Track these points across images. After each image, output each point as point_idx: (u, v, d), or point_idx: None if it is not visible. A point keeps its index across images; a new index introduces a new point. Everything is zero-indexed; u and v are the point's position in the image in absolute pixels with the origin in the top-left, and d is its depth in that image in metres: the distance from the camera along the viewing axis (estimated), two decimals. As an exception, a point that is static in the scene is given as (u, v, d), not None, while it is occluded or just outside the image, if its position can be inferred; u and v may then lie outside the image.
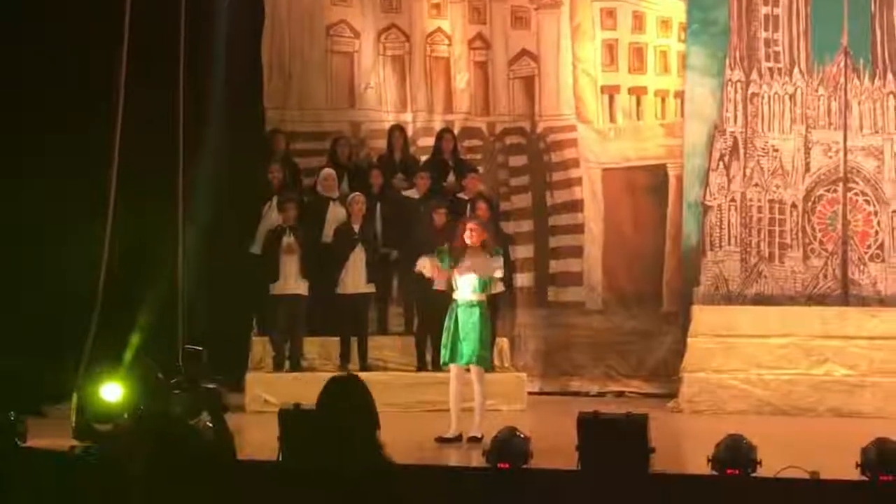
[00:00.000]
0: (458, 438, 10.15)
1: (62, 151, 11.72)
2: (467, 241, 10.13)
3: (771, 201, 13.11)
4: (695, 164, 13.28)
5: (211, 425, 5.91)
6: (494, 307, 12.59)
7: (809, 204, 13.04)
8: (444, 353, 10.26)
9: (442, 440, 10.01)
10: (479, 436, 9.97)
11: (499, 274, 10.45)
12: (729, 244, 13.12)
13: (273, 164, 12.80)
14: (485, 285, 10.20)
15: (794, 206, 13.06)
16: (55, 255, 11.57)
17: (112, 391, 9.42)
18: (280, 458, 8.63)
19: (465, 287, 10.17)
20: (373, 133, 13.83)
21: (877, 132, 12.98)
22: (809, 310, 12.71)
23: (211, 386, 6.25)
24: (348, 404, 4.66)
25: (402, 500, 4.68)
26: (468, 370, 10.21)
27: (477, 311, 10.12)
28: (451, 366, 10.22)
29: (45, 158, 11.66)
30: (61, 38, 11.79)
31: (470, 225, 10.25)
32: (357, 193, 12.47)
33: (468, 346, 10.08)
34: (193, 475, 5.34)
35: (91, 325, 11.69)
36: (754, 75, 13.15)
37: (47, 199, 11.68)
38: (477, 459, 8.80)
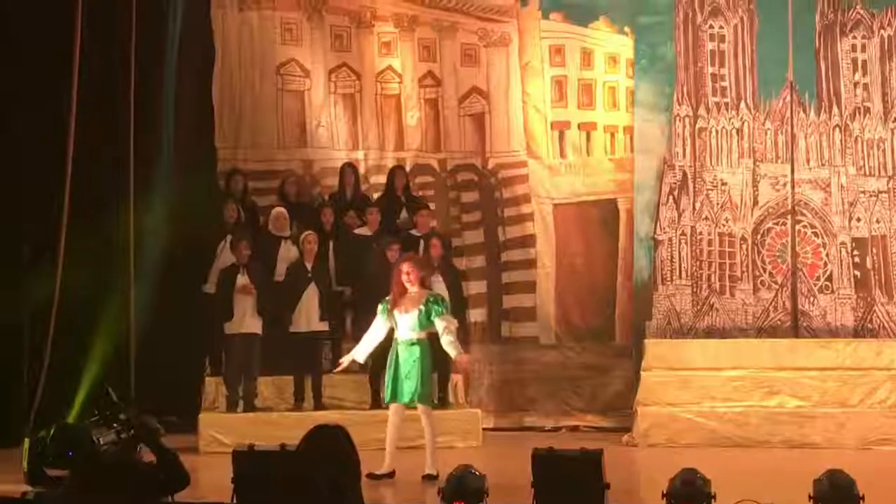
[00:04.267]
0: (391, 475, 10.13)
1: (11, 192, 11.67)
2: (405, 283, 10.13)
3: (721, 234, 13.23)
4: (645, 198, 13.40)
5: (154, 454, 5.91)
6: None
7: (759, 237, 13.17)
8: (387, 393, 10.26)
9: (373, 476, 9.89)
10: (434, 474, 9.97)
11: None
12: (680, 278, 13.22)
13: (229, 203, 12.77)
14: (424, 324, 10.19)
15: (743, 239, 13.18)
16: (5, 298, 11.50)
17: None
18: (234, 500, 8.57)
19: (405, 326, 10.15)
20: (325, 171, 13.85)
21: (823, 165, 13.14)
22: (761, 342, 12.81)
23: (146, 418, 6.25)
24: (335, 454, 4.66)
25: None
26: (411, 408, 10.20)
27: (417, 349, 10.12)
28: (392, 404, 10.21)
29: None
30: (8, 76, 11.76)
31: (405, 268, 10.20)
32: (309, 232, 12.46)
33: (410, 385, 10.08)
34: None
35: (42, 368, 11.61)
36: (702, 110, 13.29)
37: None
38: (432, 497, 8.77)
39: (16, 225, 11.78)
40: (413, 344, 10.12)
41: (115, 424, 6.21)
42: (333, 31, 14.02)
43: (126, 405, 6.91)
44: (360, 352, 10.52)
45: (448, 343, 10.21)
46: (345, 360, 10.62)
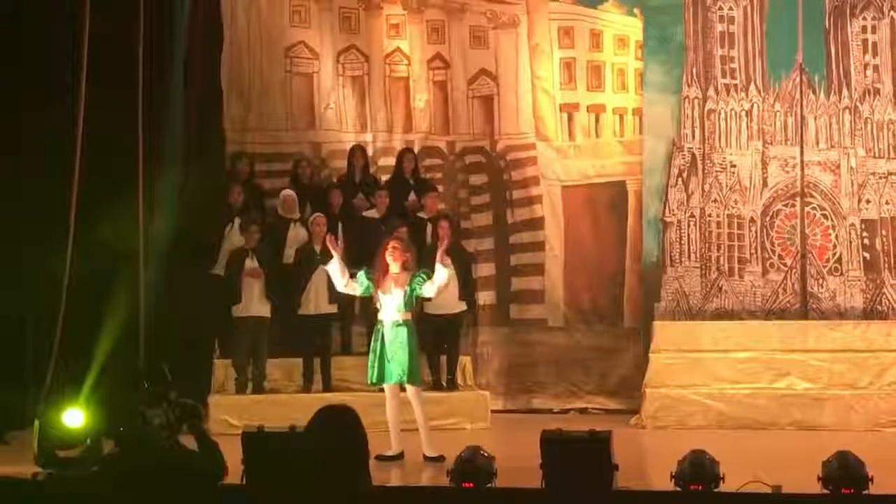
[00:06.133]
0: (400, 456, 10.16)
1: (20, 173, 11.67)
2: (389, 260, 10.11)
3: (730, 216, 13.21)
4: (654, 180, 13.38)
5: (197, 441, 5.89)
6: (457, 326, 12.66)
7: (768, 219, 13.16)
8: (371, 374, 10.22)
9: (382, 458, 9.89)
10: (435, 454, 9.99)
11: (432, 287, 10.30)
12: (689, 260, 13.21)
13: (235, 185, 12.79)
14: (410, 303, 10.18)
15: (752, 221, 13.17)
16: (14, 280, 11.51)
17: (74, 417, 9.37)
18: (244, 482, 8.61)
19: (390, 307, 10.12)
20: (333, 153, 13.85)
21: (833, 147, 13.12)
22: (770, 324, 12.81)
23: (189, 401, 6.25)
24: (343, 434, 4.67)
25: None
26: (402, 388, 10.21)
27: (404, 329, 10.09)
28: (385, 385, 10.21)
29: (2, 180, 11.61)
30: (18, 58, 11.76)
31: (392, 244, 10.20)
32: (318, 214, 12.46)
33: (397, 366, 10.06)
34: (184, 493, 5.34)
35: (52, 350, 11.63)
36: (711, 92, 13.27)
37: (4, 221, 11.62)
38: (441, 479, 8.79)
39: (24, 207, 11.78)
40: (399, 325, 10.10)
41: (163, 403, 6.18)
42: (342, 13, 14.01)
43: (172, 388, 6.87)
44: (335, 267, 10.28)
45: (436, 279, 10.06)
46: (336, 261, 10.27)
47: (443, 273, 10.10)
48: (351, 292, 10.56)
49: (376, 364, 10.14)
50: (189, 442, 5.88)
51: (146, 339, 12.41)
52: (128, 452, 5.61)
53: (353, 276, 10.37)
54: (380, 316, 10.22)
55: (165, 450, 5.62)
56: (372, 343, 10.27)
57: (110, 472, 5.49)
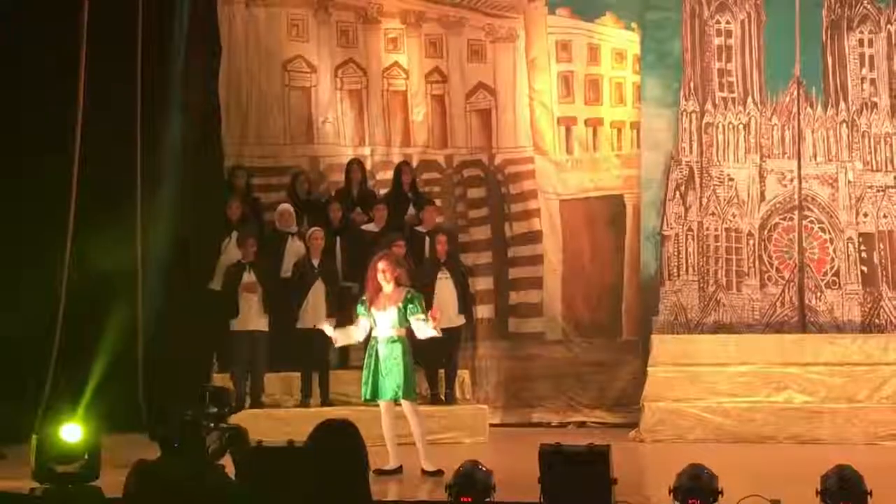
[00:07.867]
0: (398, 470, 10.15)
1: (17, 189, 11.68)
2: (381, 281, 10.12)
3: (727, 230, 13.23)
4: (651, 194, 13.39)
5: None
6: (455, 339, 12.65)
7: (765, 232, 13.17)
8: (365, 390, 10.20)
9: (381, 472, 9.88)
10: (433, 468, 9.99)
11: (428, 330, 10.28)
12: (687, 273, 13.22)
13: (233, 199, 12.79)
14: (404, 320, 10.15)
15: (750, 234, 13.18)
16: (12, 295, 11.50)
17: (72, 432, 9.34)
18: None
19: (385, 323, 10.11)
20: (331, 167, 13.86)
21: (830, 160, 13.14)
22: (768, 337, 12.82)
23: (238, 426, 6.18)
24: (343, 448, 4.65)
25: None
26: (397, 403, 10.21)
27: (399, 346, 10.09)
28: (380, 401, 10.20)
29: (2, 180, 11.62)
30: (19, 58, 11.77)
31: (381, 265, 10.16)
32: (316, 228, 12.46)
33: (392, 381, 10.05)
34: None
35: (50, 364, 11.62)
36: (708, 105, 13.29)
37: (1, 237, 11.62)
38: (439, 493, 8.77)
39: (21, 221, 11.78)
40: (394, 341, 10.09)
41: (219, 426, 6.09)
42: (340, 27, 14.03)
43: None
44: (343, 337, 10.42)
45: (423, 328, 10.11)
46: (334, 335, 10.44)
47: (431, 333, 10.14)
48: (365, 335, 10.47)
49: (370, 380, 10.14)
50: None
51: (144, 353, 12.41)
52: (174, 469, 5.52)
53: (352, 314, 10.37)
54: (374, 333, 10.21)
55: (209, 473, 5.55)
56: (366, 359, 10.26)
57: (148, 479, 5.40)
